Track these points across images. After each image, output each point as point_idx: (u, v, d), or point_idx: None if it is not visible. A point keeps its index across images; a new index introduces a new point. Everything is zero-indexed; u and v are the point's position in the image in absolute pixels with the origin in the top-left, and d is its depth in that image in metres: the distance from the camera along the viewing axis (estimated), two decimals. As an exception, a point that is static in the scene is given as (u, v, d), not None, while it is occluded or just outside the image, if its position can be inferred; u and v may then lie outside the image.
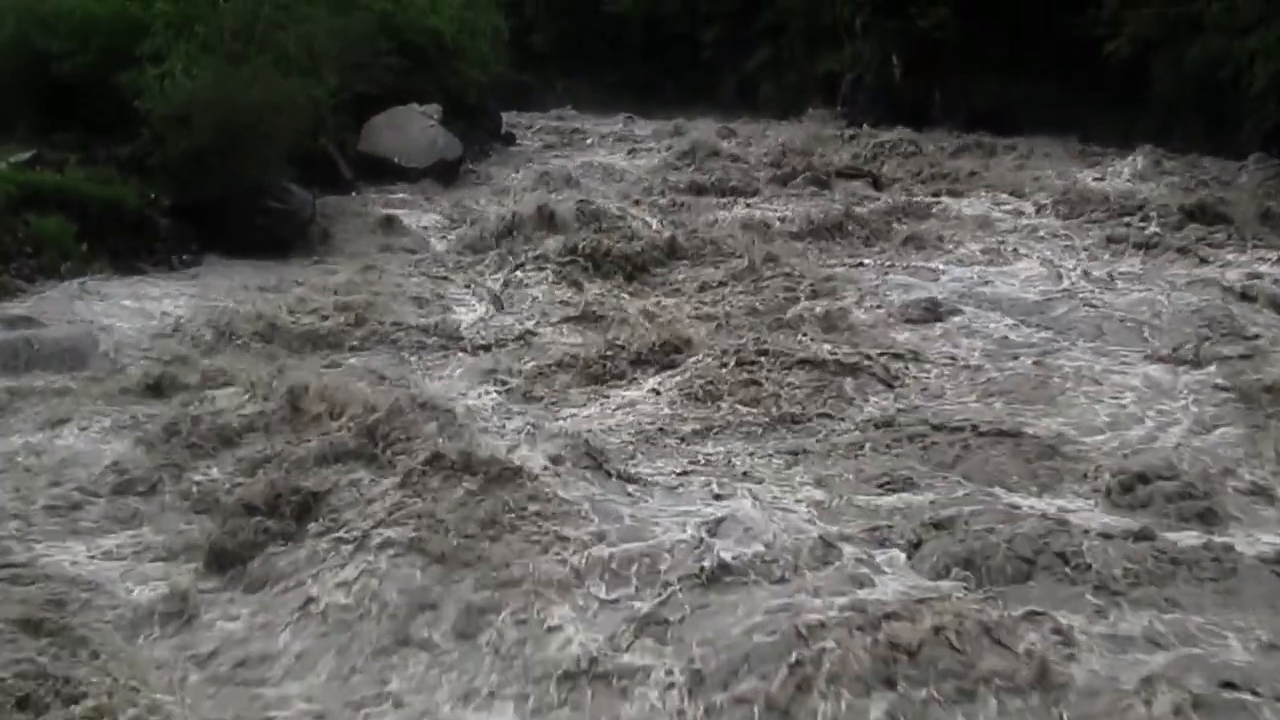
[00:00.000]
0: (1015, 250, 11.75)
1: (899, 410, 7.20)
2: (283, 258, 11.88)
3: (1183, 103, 18.04)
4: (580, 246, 11.25)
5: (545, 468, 5.64)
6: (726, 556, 4.76)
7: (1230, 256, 11.14)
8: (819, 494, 5.92)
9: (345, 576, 4.93)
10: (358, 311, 9.39)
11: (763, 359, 7.87)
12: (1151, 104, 18.74)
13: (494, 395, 7.67)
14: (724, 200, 15.34)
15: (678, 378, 7.79)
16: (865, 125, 22.29)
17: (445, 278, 11.24)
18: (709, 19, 31.98)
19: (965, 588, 4.64)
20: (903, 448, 6.58)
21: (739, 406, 7.26)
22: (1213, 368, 7.68)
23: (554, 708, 4.13)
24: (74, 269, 10.42)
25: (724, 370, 7.75)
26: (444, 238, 13.11)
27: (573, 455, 5.92)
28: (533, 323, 9.55)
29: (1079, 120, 19.84)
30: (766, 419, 7.07)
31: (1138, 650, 4.24)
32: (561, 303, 10.10)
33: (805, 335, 8.68)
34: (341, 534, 5.24)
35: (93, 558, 5.34)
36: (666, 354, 8.26)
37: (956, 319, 9.20)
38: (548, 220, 12.22)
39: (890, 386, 7.60)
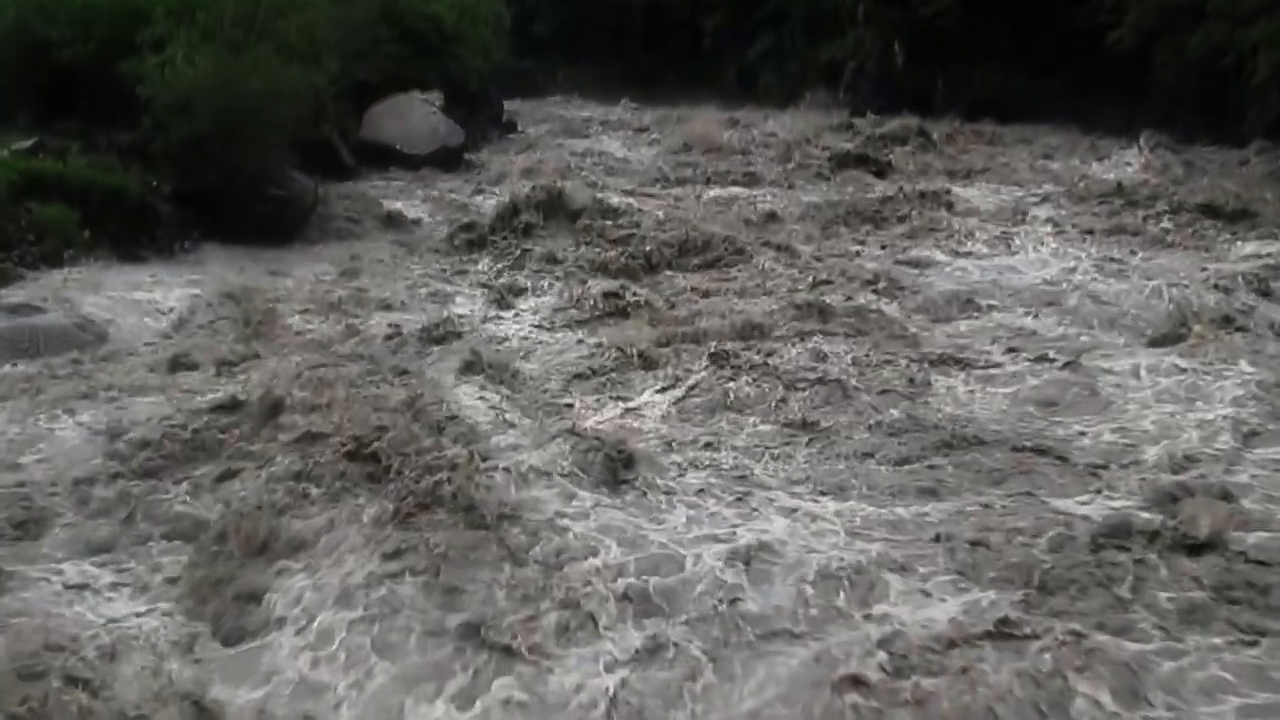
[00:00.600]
0: (1027, 240, 11.66)
1: (925, 414, 6.79)
2: (285, 244, 11.89)
3: (1185, 92, 18.01)
4: (585, 237, 11.21)
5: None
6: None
7: (1250, 248, 10.96)
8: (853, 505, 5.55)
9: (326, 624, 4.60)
10: (357, 301, 9.35)
11: (768, 360, 7.58)
12: (1154, 93, 18.72)
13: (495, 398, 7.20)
14: (726, 189, 15.28)
15: (694, 379, 7.38)
16: (868, 113, 22.25)
17: (445, 268, 11.17)
18: (710, 7, 31.87)
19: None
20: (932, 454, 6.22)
21: (758, 409, 6.87)
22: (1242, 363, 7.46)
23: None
24: (76, 256, 10.43)
25: (732, 370, 7.42)
26: (445, 225, 13.08)
27: (585, 462, 5.71)
28: (536, 318, 9.33)
29: (1081, 109, 19.84)
30: (787, 423, 6.66)
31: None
32: (567, 296, 9.89)
33: (820, 334, 8.29)
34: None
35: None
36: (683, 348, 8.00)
37: (979, 313, 9.09)
38: (552, 209, 12.14)
39: (916, 386, 7.25)
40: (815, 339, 8.14)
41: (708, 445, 6.33)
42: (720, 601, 4.57)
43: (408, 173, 17.06)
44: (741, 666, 4.22)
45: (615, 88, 29.73)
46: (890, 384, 7.25)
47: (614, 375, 7.66)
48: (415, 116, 18.20)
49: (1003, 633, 4.31)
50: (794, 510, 5.46)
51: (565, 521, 5.20)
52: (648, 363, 7.81)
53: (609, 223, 11.72)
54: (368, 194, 14.90)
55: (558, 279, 10.45)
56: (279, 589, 4.84)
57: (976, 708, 3.89)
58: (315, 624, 4.57)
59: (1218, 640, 4.29)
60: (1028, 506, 5.46)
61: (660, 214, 12.33)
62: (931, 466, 6.03)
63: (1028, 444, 6.28)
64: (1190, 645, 4.25)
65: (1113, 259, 10.73)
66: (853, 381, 7.22)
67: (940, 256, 11.04)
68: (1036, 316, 8.97)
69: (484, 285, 10.43)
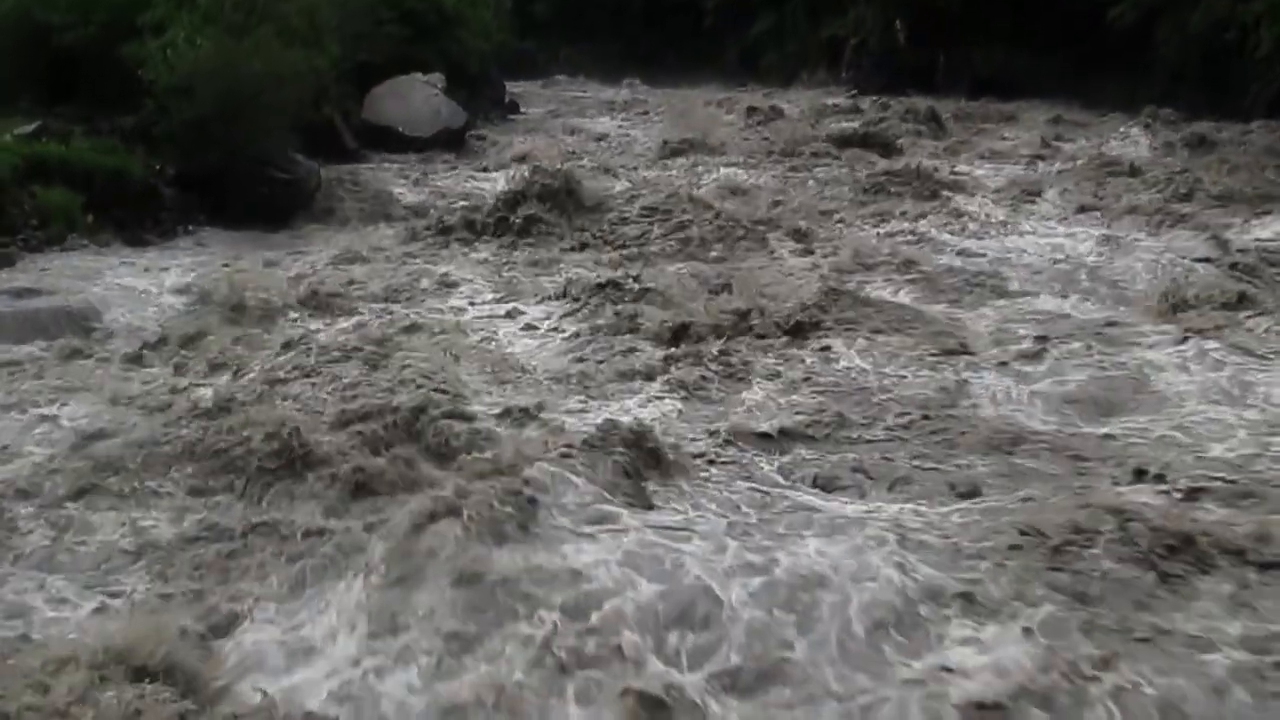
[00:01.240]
0: (1035, 218, 11.65)
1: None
2: (288, 226, 11.88)
3: (1187, 67, 17.99)
4: (592, 219, 11.18)
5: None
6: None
7: (1269, 228, 10.78)
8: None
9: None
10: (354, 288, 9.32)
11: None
12: (1155, 69, 18.69)
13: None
14: (731, 170, 15.19)
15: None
16: (870, 92, 22.23)
17: (443, 250, 10.90)
18: (711, -14, 31.87)
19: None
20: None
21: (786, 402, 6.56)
22: None
23: None
24: (80, 240, 10.47)
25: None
26: (448, 208, 13.03)
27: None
28: (540, 309, 8.87)
29: (1083, 87, 19.80)
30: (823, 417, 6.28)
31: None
32: (574, 284, 9.27)
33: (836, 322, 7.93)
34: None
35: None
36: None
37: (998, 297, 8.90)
38: (556, 194, 11.99)
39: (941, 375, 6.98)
40: (829, 326, 7.84)
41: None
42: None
43: (410, 154, 17.03)
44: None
45: (616, 68, 29.72)
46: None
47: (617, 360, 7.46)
48: (417, 98, 18.18)
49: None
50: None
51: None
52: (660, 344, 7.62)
53: (612, 211, 11.62)
54: (371, 176, 14.86)
55: (561, 268, 10.05)
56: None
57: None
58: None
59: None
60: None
61: (663, 194, 12.23)
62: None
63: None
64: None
65: (1125, 236, 10.67)
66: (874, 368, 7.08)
67: (948, 236, 10.95)
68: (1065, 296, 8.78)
69: (482, 270, 10.11)
